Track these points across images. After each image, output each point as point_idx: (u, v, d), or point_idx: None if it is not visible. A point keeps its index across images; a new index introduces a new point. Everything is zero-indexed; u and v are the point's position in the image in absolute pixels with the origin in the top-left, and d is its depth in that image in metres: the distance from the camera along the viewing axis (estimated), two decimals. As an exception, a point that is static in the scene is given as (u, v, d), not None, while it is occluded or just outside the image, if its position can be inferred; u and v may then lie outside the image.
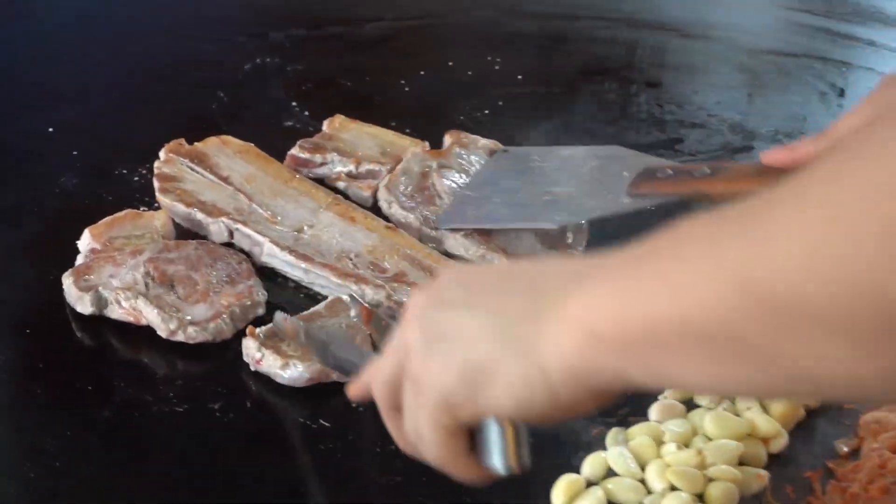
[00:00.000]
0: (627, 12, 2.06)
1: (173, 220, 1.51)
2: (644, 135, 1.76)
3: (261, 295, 1.42)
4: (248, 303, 1.40)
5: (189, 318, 1.37)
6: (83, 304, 1.39)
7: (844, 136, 1.16)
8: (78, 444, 1.25)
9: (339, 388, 1.28)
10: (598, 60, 1.95)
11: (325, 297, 1.42)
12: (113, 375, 1.33)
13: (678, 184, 1.34)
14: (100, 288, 1.39)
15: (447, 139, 1.63)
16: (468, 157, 1.60)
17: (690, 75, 1.92)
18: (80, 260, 1.45)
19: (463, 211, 1.47)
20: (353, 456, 1.25)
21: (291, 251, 1.45)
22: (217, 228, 1.50)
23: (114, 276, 1.40)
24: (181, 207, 1.52)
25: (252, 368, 1.33)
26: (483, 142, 1.63)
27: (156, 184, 1.55)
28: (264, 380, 1.32)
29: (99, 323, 1.39)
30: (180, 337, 1.36)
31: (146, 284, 1.40)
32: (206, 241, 1.49)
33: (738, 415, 1.25)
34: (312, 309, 1.38)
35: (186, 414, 1.29)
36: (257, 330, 1.34)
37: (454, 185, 1.55)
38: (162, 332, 1.36)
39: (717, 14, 2.07)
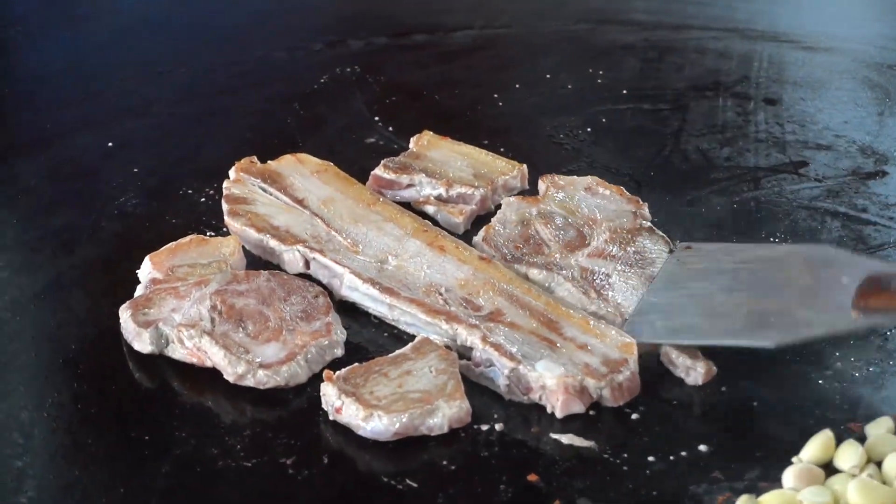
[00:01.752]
0: (741, 22, 2.01)
1: (243, 248, 1.42)
2: (764, 157, 1.66)
3: (340, 334, 1.32)
4: (326, 342, 1.29)
5: (259, 360, 1.26)
6: (141, 342, 1.29)
7: None
8: (132, 504, 1.15)
9: (427, 442, 1.19)
10: (710, 74, 1.88)
11: (411, 337, 1.31)
12: (173, 424, 1.23)
13: None
14: (160, 323, 1.29)
15: (541, 185, 1.53)
16: (568, 200, 1.49)
17: (813, 91, 1.83)
18: (139, 291, 1.36)
19: (652, 322, 1.33)
20: (444, 522, 1.15)
21: (374, 284, 1.36)
22: (291, 257, 1.41)
23: (176, 311, 1.31)
24: (252, 233, 1.43)
25: (331, 418, 1.22)
26: (581, 181, 1.52)
27: (224, 206, 1.48)
28: (344, 431, 1.21)
29: (159, 361, 1.30)
30: (249, 382, 1.25)
31: (212, 320, 1.29)
32: (279, 272, 1.39)
33: (885, 482, 1.15)
34: (398, 351, 1.28)
35: (255, 470, 1.18)
36: (336, 374, 1.24)
37: (560, 234, 1.44)
38: (229, 377, 1.26)
39: (838, 25, 2.01)
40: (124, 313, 1.31)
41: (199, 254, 1.39)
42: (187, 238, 1.41)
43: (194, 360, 1.28)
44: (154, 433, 1.22)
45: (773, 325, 1.24)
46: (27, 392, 1.26)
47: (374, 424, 1.19)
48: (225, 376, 1.26)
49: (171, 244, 1.40)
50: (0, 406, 1.24)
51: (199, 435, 1.21)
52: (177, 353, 1.28)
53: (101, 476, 1.18)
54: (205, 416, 1.24)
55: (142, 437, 1.21)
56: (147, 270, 1.37)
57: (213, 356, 1.26)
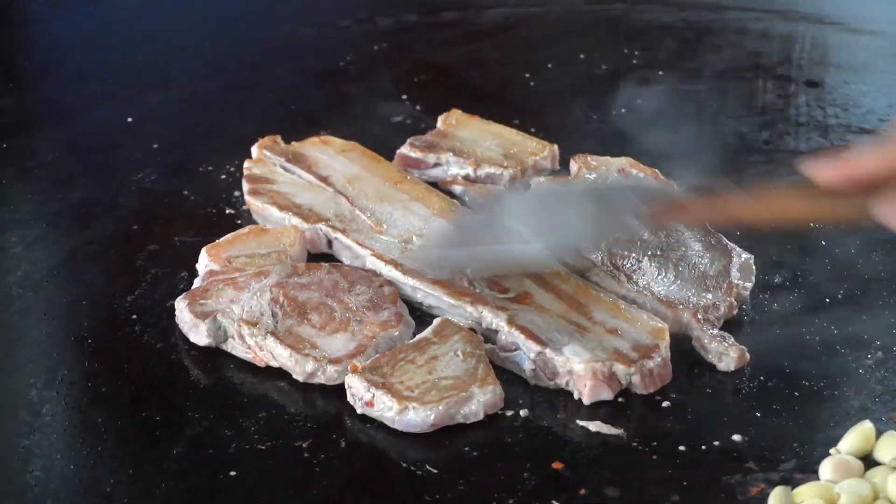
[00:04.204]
0: (782, 3, 1.99)
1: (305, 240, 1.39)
2: (804, 140, 1.64)
3: (411, 323, 1.28)
4: (397, 333, 1.25)
5: (327, 353, 1.22)
6: (198, 334, 1.26)
7: None
8: (141, 486, 1.13)
9: (448, 427, 1.17)
10: (750, 56, 1.86)
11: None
12: (186, 404, 1.21)
13: (709, 208, 1.22)
14: (218, 315, 1.25)
15: (573, 165, 1.50)
16: (600, 181, 1.47)
17: (856, 74, 1.81)
18: (196, 284, 1.32)
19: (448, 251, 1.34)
20: (465, 510, 1.12)
21: (397, 265, 1.33)
22: (314, 236, 1.38)
23: (235, 302, 1.27)
24: (274, 211, 1.41)
25: (359, 412, 1.19)
26: (614, 162, 1.49)
27: (245, 185, 1.46)
28: (362, 415, 1.19)
29: (172, 339, 1.27)
30: (319, 379, 1.22)
31: (273, 314, 1.25)
32: (339, 264, 1.35)
33: (929, 476, 1.13)
34: (419, 336, 1.24)
35: (269, 453, 1.16)
36: (361, 364, 1.20)
37: None
38: (298, 376, 1.22)
39: (883, 7, 1.98)
40: (180, 304, 1.28)
41: (258, 244, 1.35)
42: (246, 229, 1.38)
43: (250, 357, 1.24)
44: (166, 413, 1.20)
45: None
46: (37, 369, 1.24)
47: (411, 417, 1.16)
48: (294, 376, 1.22)
49: (228, 235, 1.37)
50: (9, 383, 1.22)
51: (213, 416, 1.19)
52: (236, 349, 1.24)
53: (111, 456, 1.16)
54: (219, 397, 1.22)
55: (154, 417, 1.19)
56: (204, 263, 1.33)
57: (280, 357, 1.22)
